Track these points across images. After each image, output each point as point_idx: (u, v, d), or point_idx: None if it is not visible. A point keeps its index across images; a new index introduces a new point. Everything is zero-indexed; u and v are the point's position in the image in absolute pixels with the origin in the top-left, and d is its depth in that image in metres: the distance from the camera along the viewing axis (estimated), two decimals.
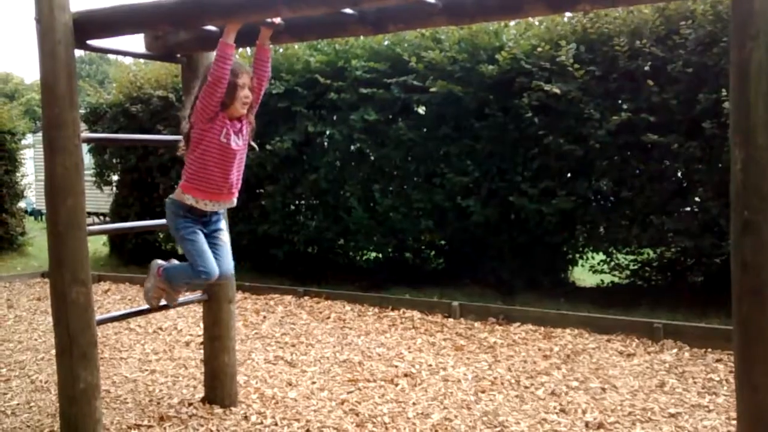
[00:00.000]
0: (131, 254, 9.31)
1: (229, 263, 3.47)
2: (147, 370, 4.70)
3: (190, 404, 3.97)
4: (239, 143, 3.21)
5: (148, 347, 5.26)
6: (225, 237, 3.49)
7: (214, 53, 3.93)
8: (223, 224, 3.51)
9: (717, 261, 5.43)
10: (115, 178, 9.63)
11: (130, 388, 4.31)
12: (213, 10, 2.95)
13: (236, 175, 3.30)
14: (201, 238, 3.29)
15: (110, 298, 7.33)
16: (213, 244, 3.37)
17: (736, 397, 2.02)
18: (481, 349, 4.99)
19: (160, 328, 5.81)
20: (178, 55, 3.78)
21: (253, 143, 3.35)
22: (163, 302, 3.60)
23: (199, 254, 3.26)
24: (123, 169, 9.24)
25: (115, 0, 3.17)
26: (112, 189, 9.72)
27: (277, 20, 3.12)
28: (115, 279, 8.26)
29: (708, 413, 3.68)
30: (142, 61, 9.42)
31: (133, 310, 4.19)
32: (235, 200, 3.41)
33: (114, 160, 9.40)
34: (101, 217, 13.41)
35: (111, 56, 30.53)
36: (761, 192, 1.91)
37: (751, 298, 1.94)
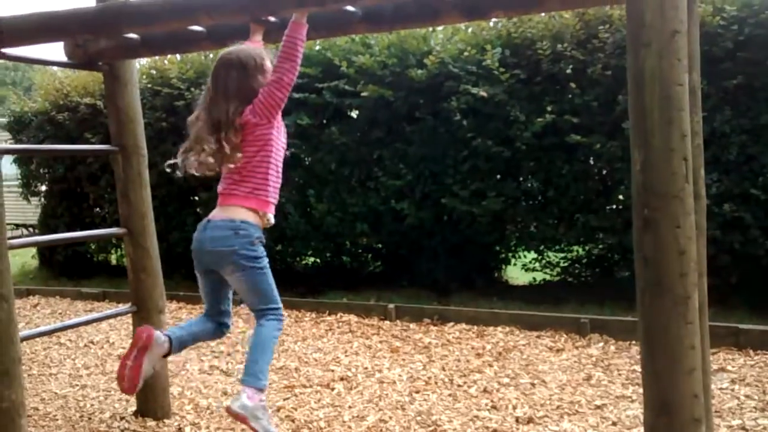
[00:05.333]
0: (62, 267, 9.05)
1: None
2: (78, 385, 4.60)
3: (122, 418, 3.91)
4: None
5: (79, 362, 5.14)
6: None
7: (135, 61, 3.92)
8: None
9: None
10: (42, 188, 9.35)
11: (59, 404, 4.21)
12: (131, 18, 2.92)
13: None
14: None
15: (39, 313, 7.11)
16: None
17: (643, 385, 2.13)
18: (416, 349, 5.06)
19: (92, 342, 5.68)
20: (100, 63, 3.71)
21: None
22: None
23: (274, 290, 2.76)
24: (51, 179, 8.97)
25: (34, 6, 3.10)
26: (40, 200, 9.43)
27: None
28: (45, 293, 8.00)
29: (631, 403, 3.82)
30: None
31: (62, 324, 4.09)
32: None
33: (41, 170, 9.12)
34: (30, 229, 12.97)
35: None
36: (659, 191, 2.02)
37: (652, 290, 2.05)
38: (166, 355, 2.82)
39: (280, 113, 2.72)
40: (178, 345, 2.82)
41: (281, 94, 2.64)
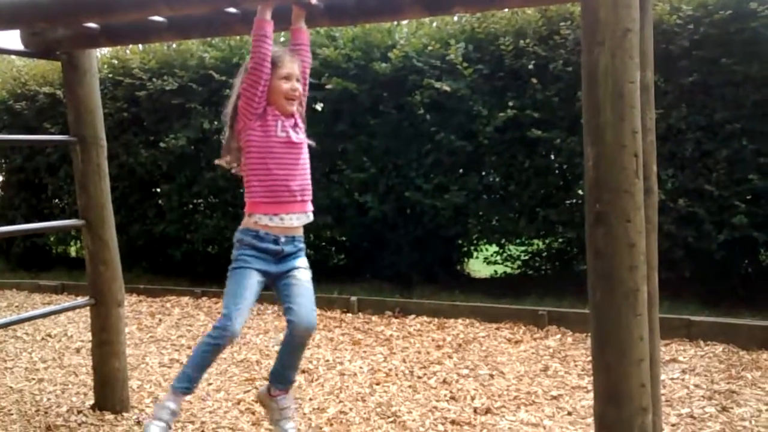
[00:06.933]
0: (19, 259, 8.88)
1: (310, 312, 2.75)
2: (34, 379, 4.52)
3: (79, 412, 3.86)
4: (300, 137, 2.77)
5: (36, 355, 5.06)
6: (304, 275, 2.80)
7: (95, 50, 3.86)
8: (304, 261, 2.85)
9: None
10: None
11: (15, 399, 4.14)
12: (89, 7, 2.88)
13: (307, 175, 2.78)
14: (251, 281, 2.71)
15: None
16: (286, 285, 2.78)
17: (593, 376, 2.18)
18: (377, 342, 5.09)
19: (49, 335, 5.59)
20: (58, 52, 3.64)
21: (310, 140, 2.87)
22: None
23: (233, 296, 2.68)
24: (8, 169, 8.80)
25: None
26: None
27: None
28: (1, 285, 7.83)
29: (587, 394, 3.90)
30: None
31: (19, 317, 4.02)
32: (311, 212, 2.83)
33: None
34: None
35: None
36: (610, 186, 2.07)
37: (603, 283, 2.11)
38: (275, 395, 2.92)
39: (255, 111, 2.70)
40: (278, 379, 2.92)
41: (246, 97, 2.69)
